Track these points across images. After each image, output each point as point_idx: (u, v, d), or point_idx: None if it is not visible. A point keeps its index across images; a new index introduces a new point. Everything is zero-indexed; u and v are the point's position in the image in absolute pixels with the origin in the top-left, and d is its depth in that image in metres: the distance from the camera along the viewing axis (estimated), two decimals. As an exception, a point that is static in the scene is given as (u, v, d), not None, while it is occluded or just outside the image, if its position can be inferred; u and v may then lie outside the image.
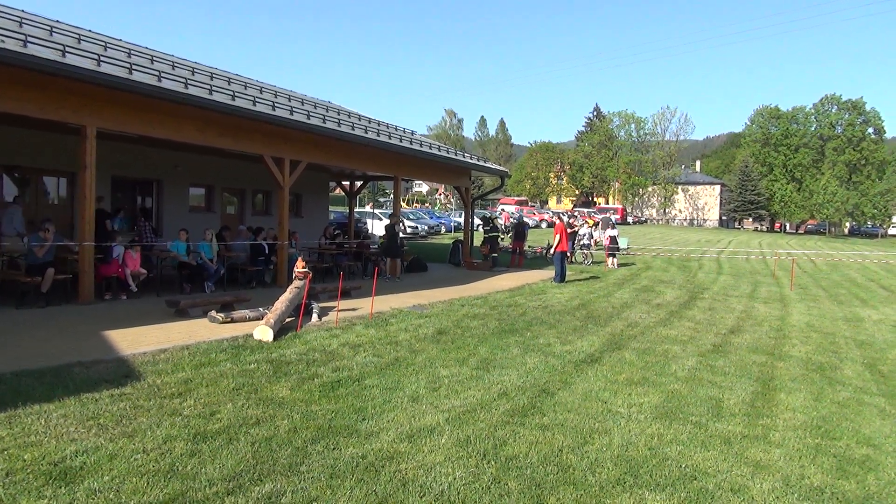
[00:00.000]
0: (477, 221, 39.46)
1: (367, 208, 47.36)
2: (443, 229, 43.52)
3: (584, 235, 23.75)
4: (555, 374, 7.66)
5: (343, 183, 24.02)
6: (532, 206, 71.75)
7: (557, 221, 18.02)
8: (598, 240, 26.46)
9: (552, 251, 17.95)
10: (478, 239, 25.13)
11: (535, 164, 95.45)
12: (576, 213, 52.88)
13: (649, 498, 4.80)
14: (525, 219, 35.57)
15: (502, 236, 21.99)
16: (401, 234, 18.14)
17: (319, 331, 9.27)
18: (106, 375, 6.56)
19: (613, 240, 22.79)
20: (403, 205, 68.49)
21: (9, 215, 11.91)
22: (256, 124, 12.27)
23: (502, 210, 53.50)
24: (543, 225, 55.47)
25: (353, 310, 11.25)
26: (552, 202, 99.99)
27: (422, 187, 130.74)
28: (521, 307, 12.61)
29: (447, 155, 18.94)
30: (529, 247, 27.33)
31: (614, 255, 22.75)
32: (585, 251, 23.56)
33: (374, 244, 20.86)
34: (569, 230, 21.78)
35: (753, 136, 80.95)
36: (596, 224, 34.96)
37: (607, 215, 36.95)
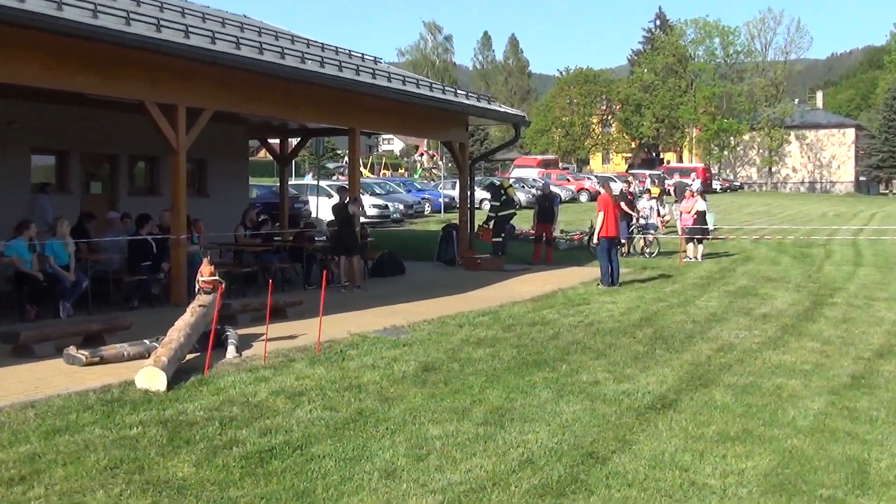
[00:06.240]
0: (479, 194, 39.48)
1: (309, 179, 47.33)
2: (427, 208, 43.50)
3: (646, 210, 23.81)
4: (606, 427, 7.64)
5: (270, 141, 23.92)
6: (565, 170, 71.86)
7: (602, 192, 17.99)
8: (666, 219, 26.50)
9: (595, 238, 17.95)
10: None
11: (566, 104, 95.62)
12: (646, 177, 52.94)
13: None
14: (554, 188, 35.56)
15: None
16: (360, 218, 18.05)
17: (239, 372, 9.20)
18: None
19: (700, 217, 22.80)
20: (365, 172, 68.46)
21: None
22: (132, 54, 12.17)
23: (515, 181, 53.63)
24: (583, 197, 55.59)
25: (291, 337, 11.10)
26: (595, 162, 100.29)
27: (393, 144, 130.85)
28: (551, 326, 12.56)
29: (430, 94, 18.89)
30: (562, 231, 27.35)
31: (700, 242, 22.78)
32: (648, 236, 23.63)
33: (320, 235, 20.77)
34: (622, 205, 21.74)
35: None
36: (664, 193, 35.01)
37: (683, 180, 37.03)
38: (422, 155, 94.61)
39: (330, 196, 31.56)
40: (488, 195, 24.55)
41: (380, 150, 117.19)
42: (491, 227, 21.26)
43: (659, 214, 24.59)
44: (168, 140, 13.46)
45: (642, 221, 23.58)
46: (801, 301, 15.69)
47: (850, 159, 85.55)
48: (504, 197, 21.40)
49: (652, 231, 23.69)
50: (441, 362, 9.99)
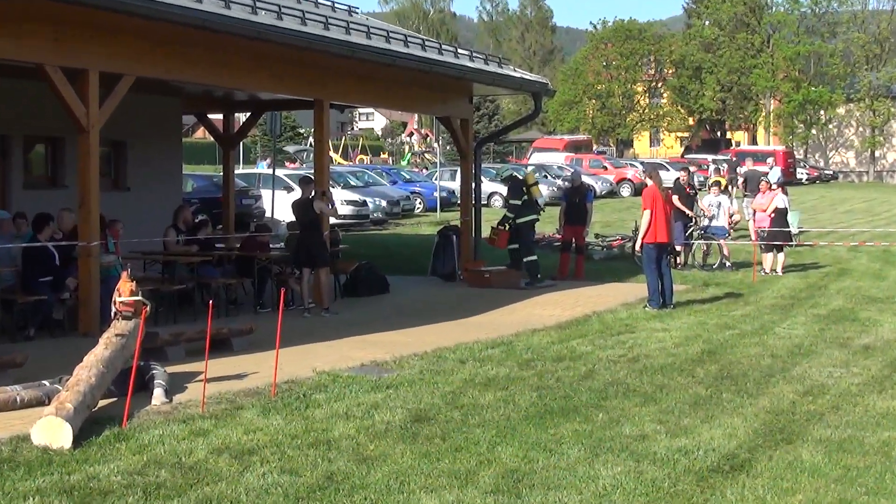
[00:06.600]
0: (488, 187, 39.37)
1: (264, 166, 47.30)
2: (418, 205, 43.45)
3: (713, 208, 23.62)
4: (657, 497, 7.61)
5: (211, 117, 23.91)
6: (600, 154, 71.97)
7: (648, 183, 17.95)
8: (735, 219, 26.45)
9: (639, 244, 17.91)
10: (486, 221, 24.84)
11: (602, 68, 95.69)
12: (708, 163, 52.62)
13: None
14: (586, 179, 35.52)
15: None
16: (330, 219, 18.02)
17: (169, 423, 9.16)
18: None
19: (780, 217, 22.70)
20: (336, 157, 68.48)
21: None
22: (27, 3, 12.15)
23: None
24: (625, 191, 55.58)
25: (239, 377, 11.06)
26: (641, 144, 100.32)
27: (373, 121, 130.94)
28: (583, 361, 12.54)
29: (422, 54, 18.85)
30: (597, 236, 27.27)
31: (780, 250, 22.69)
32: (714, 240, 23.48)
33: (277, 241, 20.72)
34: (676, 200, 21.67)
35: None
36: (732, 184, 34.86)
37: (756, 168, 36.99)
38: (411, 135, 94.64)
39: (290, 189, 31.57)
40: (506, 191, 24.36)
41: (356, 129, 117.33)
42: (507, 230, 21.00)
43: (728, 214, 24.23)
44: (75, 116, 13.42)
45: (704, 222, 23.41)
46: (914, 328, 15.66)
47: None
48: (525, 197, 21.10)
49: (721, 236, 23.41)
50: (437, 410, 9.94)
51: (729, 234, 23.96)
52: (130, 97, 14.51)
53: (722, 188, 25.76)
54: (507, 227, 21.05)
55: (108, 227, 15.30)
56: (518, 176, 23.38)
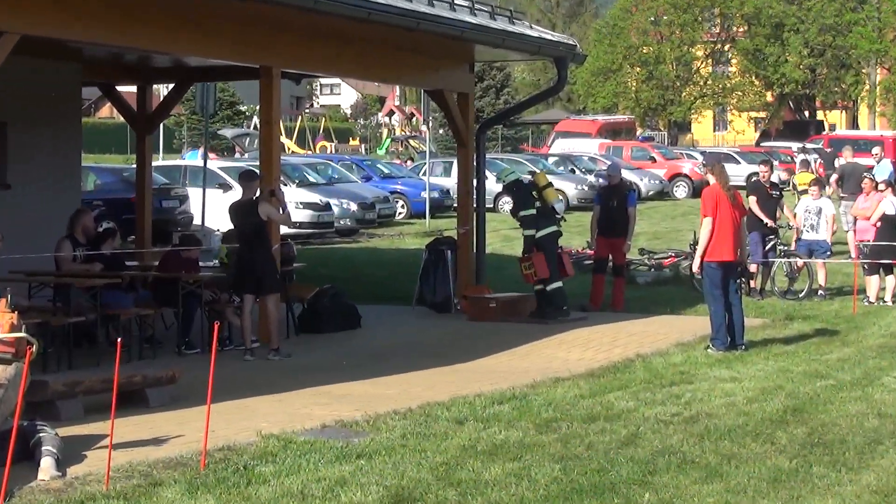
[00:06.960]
0: (495, 185, 39.37)
1: (192, 157, 47.26)
2: (401, 209, 43.45)
3: (811, 216, 23.45)
4: None
5: (121, 89, 23.92)
6: (647, 141, 72.06)
7: (710, 180, 17.91)
8: (833, 225, 26.35)
9: (697, 263, 17.84)
10: (491, 226, 24.72)
11: (650, 25, 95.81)
12: (793, 154, 52.39)
13: None
14: (628, 174, 35.54)
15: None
16: (281, 227, 18.01)
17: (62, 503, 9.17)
18: None
19: (889, 227, 22.58)
20: (289, 144, 68.53)
21: None
22: None
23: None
24: (680, 191, 55.61)
25: (156, 441, 11.08)
26: (702, 128, 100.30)
27: (340, 95, 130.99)
28: (623, 422, 12.55)
29: (407, 5, 18.84)
30: (642, 252, 27.27)
31: (890, 271, 22.58)
32: (804, 258, 23.42)
33: (209, 257, 20.71)
34: (751, 203, 21.65)
35: None
36: (827, 179, 34.83)
37: (857, 160, 37.01)
38: (391, 114, 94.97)
39: (227, 188, 31.61)
40: (512, 202, 24.00)
41: (316, 107, 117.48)
42: (542, 254, 20.39)
43: (828, 223, 23.86)
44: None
45: (814, 236, 23.09)
46: None
47: None
48: (539, 204, 20.73)
49: (822, 254, 23.12)
50: (425, 487, 9.90)
51: (829, 252, 23.55)
52: (13, 63, 14.51)
53: (820, 190, 25.35)
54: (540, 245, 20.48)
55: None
56: (523, 179, 22.63)
